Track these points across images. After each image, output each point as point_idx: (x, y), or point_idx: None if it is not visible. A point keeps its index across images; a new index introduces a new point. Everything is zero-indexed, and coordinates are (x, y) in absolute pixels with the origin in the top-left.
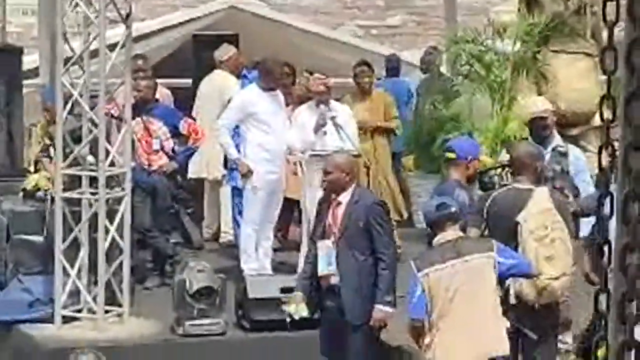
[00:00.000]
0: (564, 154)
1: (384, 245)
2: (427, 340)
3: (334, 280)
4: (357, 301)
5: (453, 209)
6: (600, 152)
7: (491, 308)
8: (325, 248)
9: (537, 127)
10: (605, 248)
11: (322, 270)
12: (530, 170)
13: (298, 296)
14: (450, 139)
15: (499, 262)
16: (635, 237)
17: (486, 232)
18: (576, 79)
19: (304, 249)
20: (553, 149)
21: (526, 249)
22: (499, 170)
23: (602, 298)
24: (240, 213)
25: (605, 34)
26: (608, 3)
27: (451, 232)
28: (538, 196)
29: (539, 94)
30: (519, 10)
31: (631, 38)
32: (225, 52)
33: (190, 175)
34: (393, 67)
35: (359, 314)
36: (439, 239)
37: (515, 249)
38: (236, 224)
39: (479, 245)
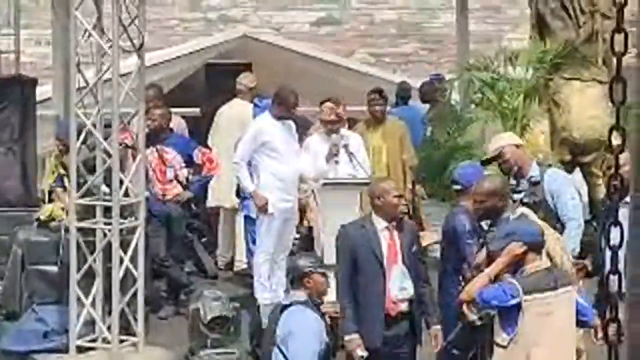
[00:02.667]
0: (536, 183)
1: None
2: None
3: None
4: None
5: (543, 237)
6: (609, 182)
7: (572, 342)
8: (400, 272)
9: (499, 165)
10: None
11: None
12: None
13: (356, 339)
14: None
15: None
16: None
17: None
18: (588, 106)
19: None
20: (527, 180)
21: None
22: None
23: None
24: (253, 242)
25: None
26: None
27: (545, 261)
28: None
29: (551, 122)
30: (530, 37)
31: None
32: (252, 79)
33: (209, 204)
34: (405, 94)
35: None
36: (535, 265)
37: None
38: (250, 253)
39: (567, 277)
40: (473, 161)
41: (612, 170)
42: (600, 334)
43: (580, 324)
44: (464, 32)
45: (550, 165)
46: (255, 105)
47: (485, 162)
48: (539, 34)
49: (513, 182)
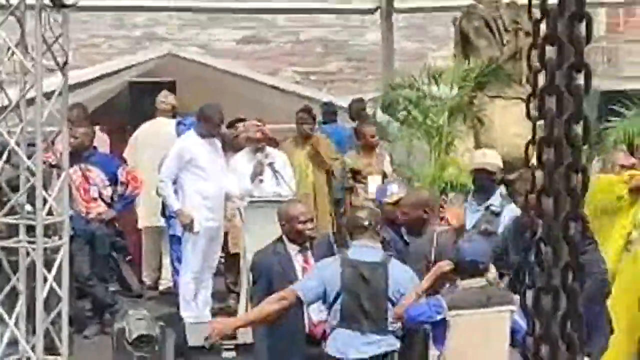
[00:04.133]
0: (497, 214)
1: None
2: None
3: None
4: None
5: (485, 260)
6: (526, 198)
7: None
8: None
9: (482, 179)
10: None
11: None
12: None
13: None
14: None
15: (515, 320)
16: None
17: None
18: (512, 123)
19: (243, 296)
20: (486, 208)
21: None
22: None
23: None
24: (179, 260)
25: (541, 79)
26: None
27: (479, 279)
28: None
29: (476, 139)
30: (454, 55)
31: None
32: (172, 97)
33: (140, 225)
34: (331, 112)
35: None
36: (469, 282)
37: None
38: (175, 271)
39: (504, 296)
40: (390, 180)
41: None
42: None
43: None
44: (390, 50)
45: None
46: (180, 123)
47: (476, 171)
48: (463, 52)
49: (470, 200)
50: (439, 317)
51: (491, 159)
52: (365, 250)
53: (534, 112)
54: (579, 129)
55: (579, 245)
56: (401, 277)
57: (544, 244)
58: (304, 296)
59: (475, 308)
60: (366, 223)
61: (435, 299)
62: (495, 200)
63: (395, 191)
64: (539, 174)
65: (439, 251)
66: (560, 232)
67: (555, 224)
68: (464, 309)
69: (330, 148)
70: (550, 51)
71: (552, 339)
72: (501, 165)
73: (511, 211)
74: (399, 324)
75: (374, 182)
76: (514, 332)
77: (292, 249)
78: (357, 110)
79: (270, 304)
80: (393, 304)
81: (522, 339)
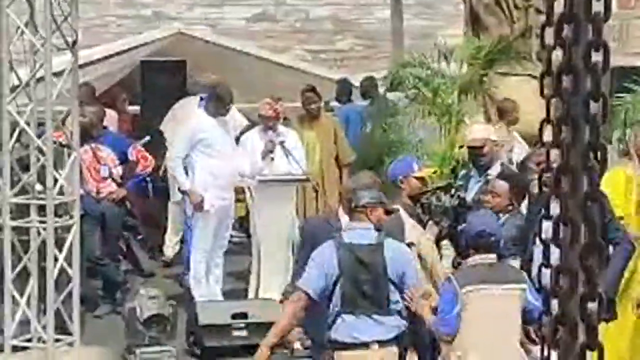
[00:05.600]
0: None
1: None
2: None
3: None
4: None
5: (493, 238)
6: (540, 176)
7: (514, 341)
8: None
9: (473, 156)
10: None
11: None
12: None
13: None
14: None
15: (528, 300)
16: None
17: None
18: (522, 101)
19: (254, 275)
20: (486, 178)
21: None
22: (439, 192)
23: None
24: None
25: (552, 56)
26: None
27: (486, 256)
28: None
29: (487, 117)
30: (464, 33)
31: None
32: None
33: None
34: (345, 91)
35: None
36: (474, 259)
37: None
38: (188, 250)
39: (515, 274)
40: (406, 156)
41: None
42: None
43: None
44: (399, 29)
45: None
46: (202, 99)
47: (466, 147)
48: (473, 30)
49: (472, 173)
50: (457, 309)
51: (476, 133)
52: (360, 232)
53: (547, 91)
54: (595, 107)
55: (598, 224)
56: (399, 256)
57: (563, 224)
58: (315, 294)
59: (483, 284)
60: (361, 203)
61: (448, 290)
62: (494, 171)
63: (420, 165)
64: (553, 152)
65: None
66: (579, 212)
67: (573, 203)
68: (471, 284)
69: (338, 129)
70: (566, 30)
71: (571, 318)
72: (489, 135)
73: None
74: (402, 304)
75: None
76: (526, 311)
77: (344, 220)
78: (367, 89)
79: (289, 316)
80: (395, 286)
81: (538, 317)
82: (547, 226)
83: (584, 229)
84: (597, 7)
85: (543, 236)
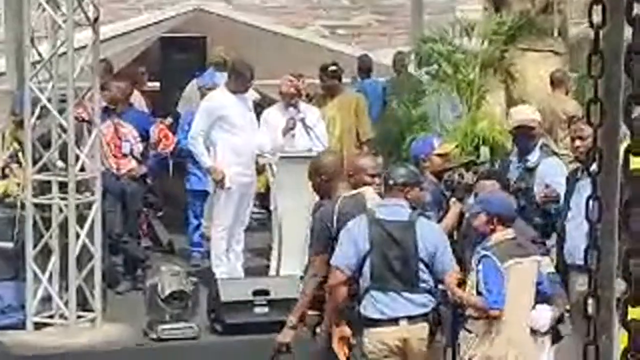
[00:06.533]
0: (531, 170)
1: None
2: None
3: None
4: None
5: (513, 214)
6: (587, 155)
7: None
8: None
9: (523, 137)
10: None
11: None
12: (343, 177)
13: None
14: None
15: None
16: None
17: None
18: (544, 77)
19: (275, 251)
20: (525, 163)
21: None
22: (461, 169)
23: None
24: (195, 216)
25: (573, 31)
26: (594, 6)
27: (511, 231)
28: (370, 196)
29: (507, 93)
30: (485, 9)
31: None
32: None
33: None
34: (366, 67)
35: None
36: (502, 235)
37: None
38: (192, 227)
39: (532, 247)
40: (427, 134)
41: (590, 144)
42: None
43: (539, 296)
44: (419, 3)
45: (555, 154)
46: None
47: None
48: (493, 5)
49: (512, 158)
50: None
51: (525, 114)
52: (394, 208)
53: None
54: None
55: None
56: (431, 235)
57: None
58: (350, 271)
59: (515, 258)
60: (400, 182)
61: (490, 267)
62: (532, 156)
63: (440, 142)
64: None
65: (338, 217)
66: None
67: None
68: (507, 260)
69: (362, 108)
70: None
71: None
72: (539, 118)
73: (548, 165)
74: (432, 283)
75: None
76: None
77: (370, 200)
78: (401, 63)
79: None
80: (425, 265)
81: (544, 289)
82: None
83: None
84: None
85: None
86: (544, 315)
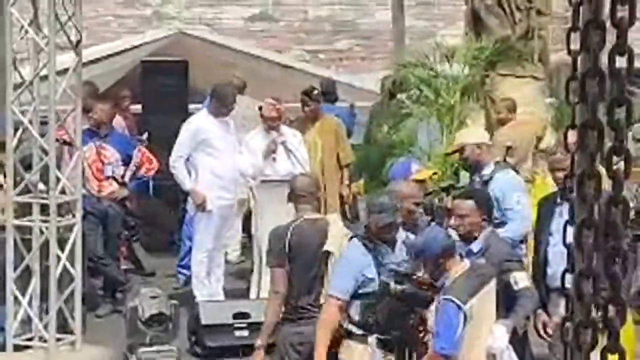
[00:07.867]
0: (485, 182)
1: None
2: None
3: None
4: None
5: (452, 239)
6: (564, 181)
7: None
8: None
9: (462, 159)
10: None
11: None
12: (311, 199)
13: None
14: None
15: None
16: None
17: (288, 264)
18: (523, 102)
19: (255, 274)
20: (478, 178)
21: None
22: (442, 193)
23: None
24: (189, 239)
25: (553, 57)
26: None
27: (458, 259)
28: (334, 223)
29: (487, 118)
30: (466, 34)
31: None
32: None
33: None
34: (329, 91)
35: None
36: (458, 269)
37: (322, 278)
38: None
39: (487, 270)
40: (406, 158)
41: (567, 170)
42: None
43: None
44: (400, 29)
45: (514, 168)
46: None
47: (449, 154)
48: (474, 31)
49: (474, 178)
50: (462, 322)
51: (460, 139)
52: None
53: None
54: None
55: (621, 230)
56: None
57: (586, 229)
58: (349, 296)
59: (473, 297)
60: (380, 225)
61: (448, 312)
62: (487, 170)
63: (417, 168)
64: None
65: (292, 239)
66: (603, 217)
67: (597, 208)
68: (471, 297)
69: (341, 132)
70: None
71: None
72: (473, 139)
73: (501, 179)
74: None
75: None
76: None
77: (334, 227)
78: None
79: (326, 327)
80: None
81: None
82: (570, 232)
83: (608, 234)
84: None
85: (568, 241)
86: (499, 336)
